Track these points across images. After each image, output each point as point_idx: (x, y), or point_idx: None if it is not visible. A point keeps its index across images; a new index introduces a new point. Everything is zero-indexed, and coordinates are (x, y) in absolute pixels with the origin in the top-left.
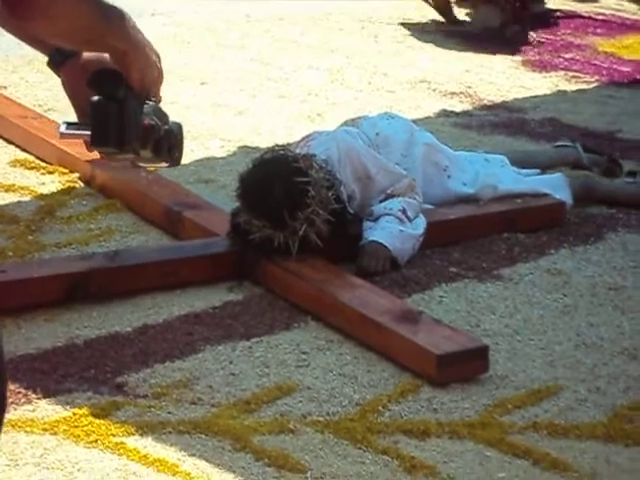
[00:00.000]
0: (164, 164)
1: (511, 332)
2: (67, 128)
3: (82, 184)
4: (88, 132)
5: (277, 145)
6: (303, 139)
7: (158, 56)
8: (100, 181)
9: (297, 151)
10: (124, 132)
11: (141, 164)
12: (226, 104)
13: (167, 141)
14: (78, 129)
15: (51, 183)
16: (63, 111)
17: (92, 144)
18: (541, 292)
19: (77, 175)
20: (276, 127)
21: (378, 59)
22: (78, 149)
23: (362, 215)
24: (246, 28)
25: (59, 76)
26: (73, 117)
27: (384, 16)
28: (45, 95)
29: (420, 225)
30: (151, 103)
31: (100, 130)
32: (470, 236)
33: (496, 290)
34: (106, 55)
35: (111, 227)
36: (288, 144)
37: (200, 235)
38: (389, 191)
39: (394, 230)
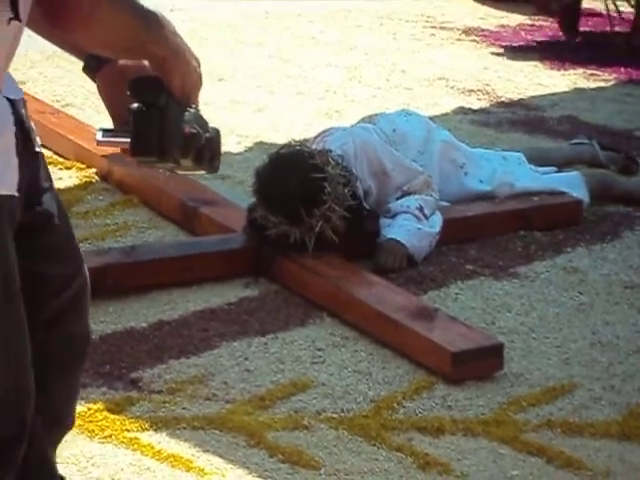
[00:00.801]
0: (203, 172)
1: (526, 330)
2: (104, 135)
3: (99, 179)
4: (126, 139)
5: (293, 140)
6: (319, 134)
7: (198, 61)
8: (117, 176)
9: (313, 147)
10: (165, 141)
11: (180, 172)
12: (244, 101)
13: (208, 149)
14: (116, 136)
15: (68, 178)
16: (80, 106)
17: (132, 153)
18: (557, 290)
19: (94, 170)
20: (294, 124)
21: (396, 56)
22: (94, 144)
23: (379, 212)
24: (265, 25)
25: (94, 81)
26: (90, 112)
27: (403, 13)
28: (63, 90)
29: (437, 223)
30: (192, 110)
31: (140, 139)
32: (486, 234)
33: (512, 288)
34: (144, 61)
35: (127, 222)
36: (305, 140)
37: (216, 231)
38: (405, 188)
39: (411, 228)
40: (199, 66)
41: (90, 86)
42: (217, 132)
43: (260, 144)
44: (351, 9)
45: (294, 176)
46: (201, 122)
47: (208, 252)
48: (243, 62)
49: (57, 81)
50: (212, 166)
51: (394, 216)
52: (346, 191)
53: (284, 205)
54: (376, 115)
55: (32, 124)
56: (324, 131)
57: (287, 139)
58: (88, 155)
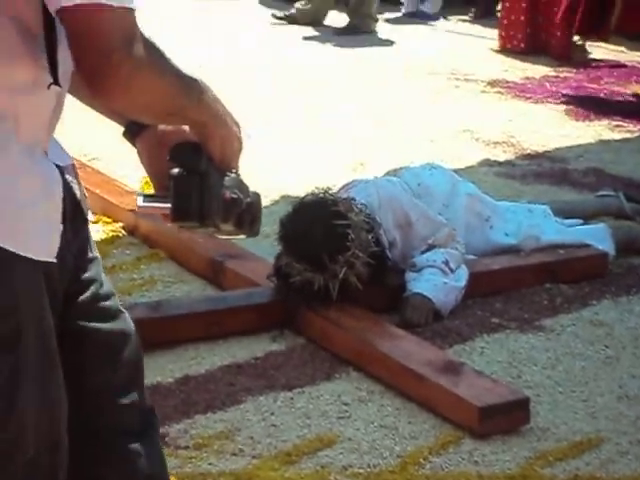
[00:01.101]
0: (243, 236)
1: (553, 384)
2: (144, 201)
3: (126, 233)
4: (167, 205)
5: (317, 188)
6: (344, 186)
7: (238, 126)
8: (144, 230)
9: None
10: (205, 206)
11: (220, 236)
12: (269, 152)
13: (249, 214)
14: (156, 202)
15: (95, 232)
16: (107, 160)
17: (173, 219)
18: (583, 343)
19: (121, 224)
20: (319, 176)
21: (421, 108)
22: (121, 199)
23: (404, 266)
24: (297, 73)
25: (135, 147)
26: (116, 166)
27: (427, 65)
28: (89, 144)
29: (462, 276)
30: (232, 175)
31: (181, 204)
32: (512, 287)
33: (538, 341)
34: (185, 126)
35: (154, 277)
36: (328, 189)
37: (243, 285)
38: (430, 241)
39: (438, 282)
40: (239, 131)
41: (116, 140)
42: (257, 196)
43: (286, 197)
44: (376, 61)
45: (317, 223)
46: (242, 187)
47: (234, 306)
48: (270, 114)
49: (83, 135)
50: (252, 230)
51: (420, 270)
52: (369, 238)
53: (308, 252)
54: (401, 169)
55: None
56: (348, 183)
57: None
58: (115, 209)
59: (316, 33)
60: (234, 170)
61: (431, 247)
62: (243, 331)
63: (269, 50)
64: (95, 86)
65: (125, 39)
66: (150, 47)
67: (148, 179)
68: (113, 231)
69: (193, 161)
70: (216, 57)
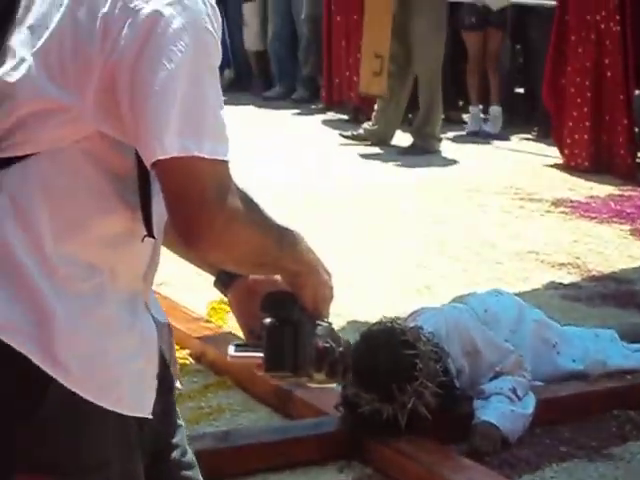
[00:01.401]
0: (334, 384)
1: None
2: (236, 350)
3: (192, 361)
4: (259, 354)
5: (384, 317)
6: (411, 315)
7: (329, 275)
8: (210, 358)
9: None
10: (299, 356)
11: (311, 385)
12: (335, 275)
13: (342, 363)
14: (248, 351)
15: None
16: (174, 286)
17: (266, 369)
18: None
19: (188, 351)
20: (385, 300)
21: (485, 229)
22: (188, 325)
23: (472, 393)
24: (354, 195)
25: (226, 296)
26: (184, 292)
27: (491, 185)
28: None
29: (530, 404)
30: (324, 324)
31: (274, 355)
32: (580, 413)
33: (607, 470)
34: (276, 275)
35: (221, 405)
36: (396, 317)
37: (310, 414)
38: (498, 368)
39: (505, 410)
40: (330, 279)
41: (183, 266)
42: (349, 345)
43: (352, 323)
44: (440, 181)
45: (386, 353)
46: (333, 335)
47: (301, 436)
48: (330, 233)
49: None
50: (345, 378)
51: (488, 397)
52: (438, 367)
53: (376, 382)
54: (467, 295)
55: (175, 358)
56: (415, 311)
57: (378, 315)
58: (181, 336)
59: (380, 151)
60: (325, 318)
61: (498, 374)
62: (310, 461)
63: (332, 169)
64: (189, 238)
65: (219, 191)
66: (243, 198)
67: (214, 305)
68: (180, 358)
69: (286, 311)
70: (278, 174)
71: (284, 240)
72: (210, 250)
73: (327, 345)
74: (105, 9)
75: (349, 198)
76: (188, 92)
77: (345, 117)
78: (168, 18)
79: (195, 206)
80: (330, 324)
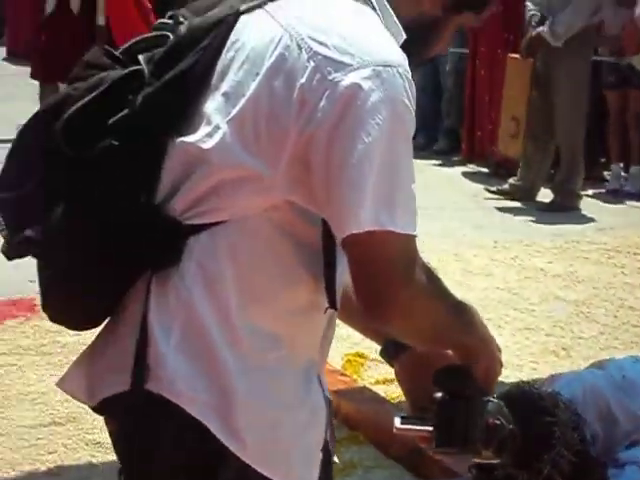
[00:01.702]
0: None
1: None
2: (402, 422)
3: None
4: (427, 428)
5: (522, 381)
6: (548, 378)
7: (500, 350)
8: (344, 412)
9: (542, 389)
10: (470, 432)
11: (477, 460)
12: None
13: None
14: (415, 424)
15: None
16: None
17: (436, 445)
18: None
19: None
20: (521, 361)
21: (625, 291)
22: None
23: (605, 459)
24: (493, 254)
25: (391, 366)
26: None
27: (632, 246)
28: None
29: None
30: (495, 400)
31: (445, 430)
32: None
33: None
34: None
35: (354, 460)
36: (533, 380)
37: (442, 474)
38: (634, 437)
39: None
40: (500, 354)
41: None
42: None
43: None
44: (579, 241)
45: (523, 419)
46: (503, 412)
47: None
48: (471, 293)
49: None
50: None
51: (622, 466)
52: (575, 435)
53: (512, 447)
54: (606, 360)
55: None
56: (553, 375)
57: (515, 377)
58: None
59: (521, 206)
60: (494, 395)
61: (634, 443)
62: None
63: (465, 224)
64: (373, 310)
65: (407, 265)
66: (428, 272)
67: (350, 357)
68: None
69: (459, 386)
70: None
71: (463, 316)
72: (391, 321)
73: (497, 422)
74: (303, 80)
75: (489, 255)
76: (383, 166)
77: (485, 170)
78: (367, 91)
79: (383, 280)
80: (500, 401)
